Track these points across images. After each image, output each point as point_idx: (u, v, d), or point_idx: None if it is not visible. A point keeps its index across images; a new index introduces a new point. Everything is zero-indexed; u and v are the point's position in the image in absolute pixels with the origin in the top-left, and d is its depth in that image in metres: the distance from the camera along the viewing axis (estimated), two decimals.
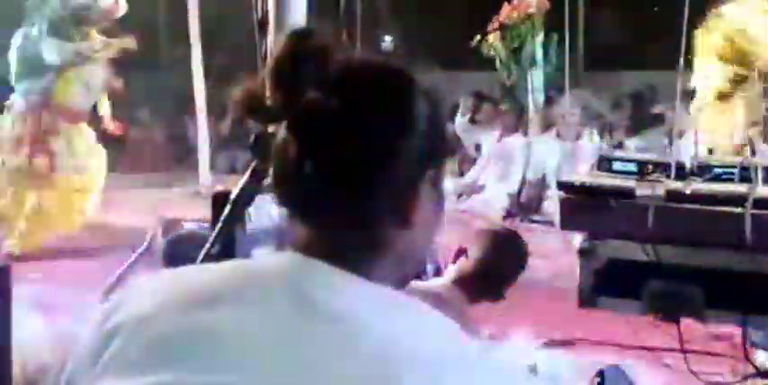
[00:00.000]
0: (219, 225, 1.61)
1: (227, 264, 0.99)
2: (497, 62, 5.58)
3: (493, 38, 5.61)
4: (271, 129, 1.02)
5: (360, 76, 0.97)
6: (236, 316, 0.89)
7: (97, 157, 6.11)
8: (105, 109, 6.31)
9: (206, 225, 3.12)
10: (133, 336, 0.91)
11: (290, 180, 0.96)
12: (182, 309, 0.91)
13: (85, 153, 6.01)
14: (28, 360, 3.04)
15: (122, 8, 6.05)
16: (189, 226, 3.08)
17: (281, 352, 0.86)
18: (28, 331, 3.34)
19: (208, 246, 1.64)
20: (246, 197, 1.70)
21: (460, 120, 8.11)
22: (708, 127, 4.81)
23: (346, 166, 0.93)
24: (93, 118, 6.28)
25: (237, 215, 1.63)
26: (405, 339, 0.87)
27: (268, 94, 0.95)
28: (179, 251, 2.75)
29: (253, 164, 1.59)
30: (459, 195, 7.69)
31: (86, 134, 6.09)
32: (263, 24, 3.41)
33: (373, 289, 0.93)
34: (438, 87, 1.03)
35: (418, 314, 0.93)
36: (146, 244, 3.09)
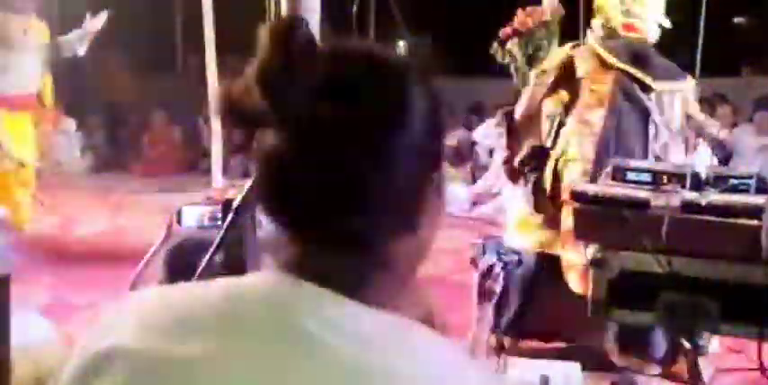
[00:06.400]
0: (221, 232, 1.59)
1: (212, 287, 0.92)
2: (512, 69, 5.54)
3: (511, 44, 5.57)
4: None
5: (352, 71, 0.88)
6: (220, 347, 0.84)
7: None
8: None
9: (216, 208, 3.10)
10: (118, 365, 0.86)
11: (278, 189, 0.89)
12: (165, 339, 0.86)
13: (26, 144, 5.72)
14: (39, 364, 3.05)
15: None
16: (191, 222, 3.05)
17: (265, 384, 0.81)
18: (38, 335, 3.34)
19: (210, 253, 1.62)
20: (251, 204, 1.69)
21: (485, 132, 8.04)
22: None
23: (342, 171, 0.86)
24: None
25: (241, 222, 1.62)
26: (404, 369, 0.81)
27: (252, 95, 0.86)
28: (182, 258, 2.74)
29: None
30: (474, 203, 7.65)
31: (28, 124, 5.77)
32: None
33: (367, 314, 0.86)
34: (439, 86, 0.94)
35: (417, 340, 0.87)
36: (164, 233, 3.09)
